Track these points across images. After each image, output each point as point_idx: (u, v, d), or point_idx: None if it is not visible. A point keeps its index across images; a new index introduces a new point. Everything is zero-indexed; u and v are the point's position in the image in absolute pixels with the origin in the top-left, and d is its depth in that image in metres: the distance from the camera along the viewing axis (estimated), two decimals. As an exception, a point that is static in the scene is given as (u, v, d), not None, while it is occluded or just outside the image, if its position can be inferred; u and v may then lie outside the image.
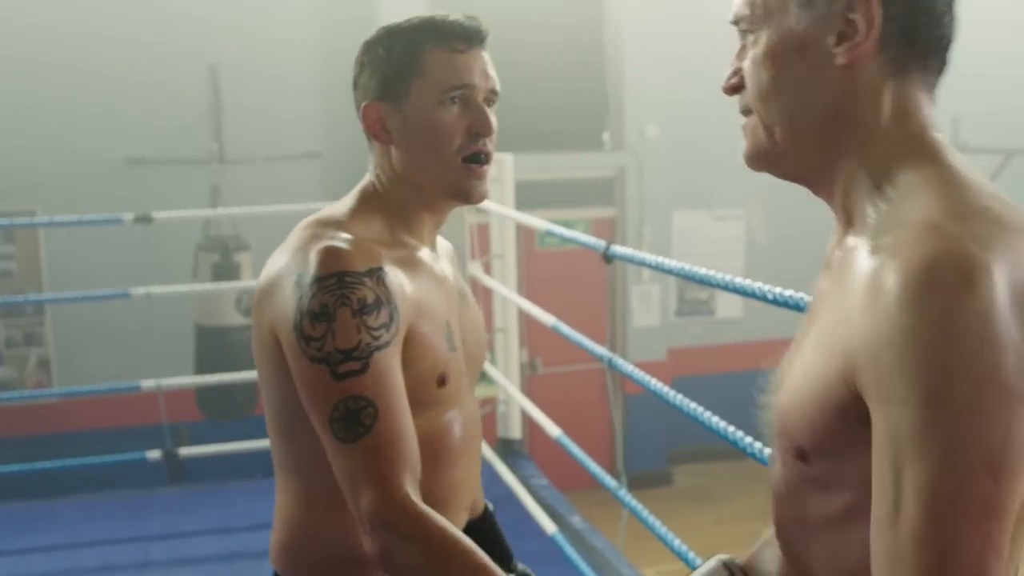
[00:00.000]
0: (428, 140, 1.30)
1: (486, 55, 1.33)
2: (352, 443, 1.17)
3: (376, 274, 1.21)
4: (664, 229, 6.60)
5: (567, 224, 5.39)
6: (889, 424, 0.80)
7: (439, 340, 1.28)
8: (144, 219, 3.42)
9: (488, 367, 3.90)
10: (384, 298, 1.20)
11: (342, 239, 1.23)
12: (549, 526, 3.03)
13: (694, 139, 6.40)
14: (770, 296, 1.75)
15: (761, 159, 1.02)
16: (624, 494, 2.44)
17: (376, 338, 1.18)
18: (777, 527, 1.00)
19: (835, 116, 0.94)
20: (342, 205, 1.33)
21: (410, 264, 1.30)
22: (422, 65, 1.30)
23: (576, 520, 3.35)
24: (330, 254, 1.20)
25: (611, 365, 2.45)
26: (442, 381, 1.29)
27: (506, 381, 3.81)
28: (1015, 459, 0.78)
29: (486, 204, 3.81)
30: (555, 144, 6.29)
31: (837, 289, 0.90)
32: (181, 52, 5.62)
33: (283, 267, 1.24)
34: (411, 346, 1.24)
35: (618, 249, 2.33)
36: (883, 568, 0.81)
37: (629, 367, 2.35)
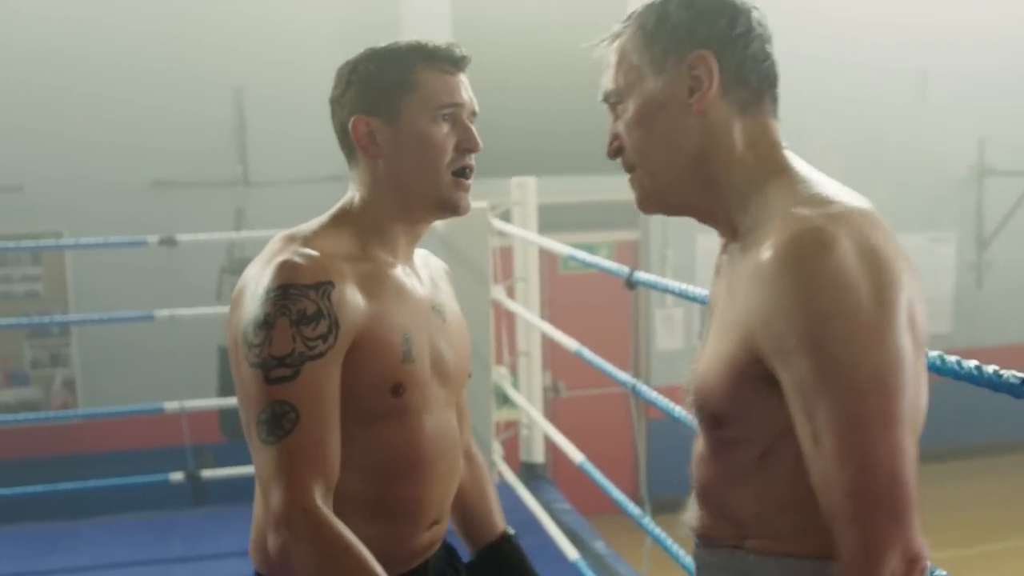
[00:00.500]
0: (421, 153, 1.38)
1: (467, 79, 1.43)
2: (271, 444, 1.23)
3: (322, 288, 1.28)
4: (688, 252, 6.58)
5: (590, 247, 5.39)
6: (792, 375, 1.00)
7: (391, 350, 1.33)
8: (168, 242, 3.45)
9: (511, 391, 3.89)
10: (325, 311, 1.27)
11: (301, 254, 1.30)
12: (572, 552, 3.02)
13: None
14: None
15: (651, 203, 1.21)
16: (648, 521, 2.43)
17: (310, 348, 1.25)
18: (699, 487, 1.17)
19: (700, 155, 1.15)
20: (316, 221, 1.41)
21: (374, 278, 1.36)
22: (415, 83, 1.38)
23: (599, 546, 3.33)
24: (282, 267, 1.28)
25: (635, 392, 2.44)
26: (397, 391, 1.33)
27: (529, 405, 3.80)
28: (895, 373, 0.98)
29: (508, 228, 3.83)
30: (578, 167, 6.29)
31: (727, 284, 1.13)
32: (206, 76, 5.69)
33: (249, 278, 1.33)
34: (357, 355, 1.30)
35: (642, 275, 2.33)
36: (822, 493, 0.99)
37: (653, 394, 2.35)
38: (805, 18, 6.33)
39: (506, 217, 3.88)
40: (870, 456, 0.97)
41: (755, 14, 1.20)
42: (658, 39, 1.16)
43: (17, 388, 5.80)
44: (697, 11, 1.17)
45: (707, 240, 6.67)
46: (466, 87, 1.42)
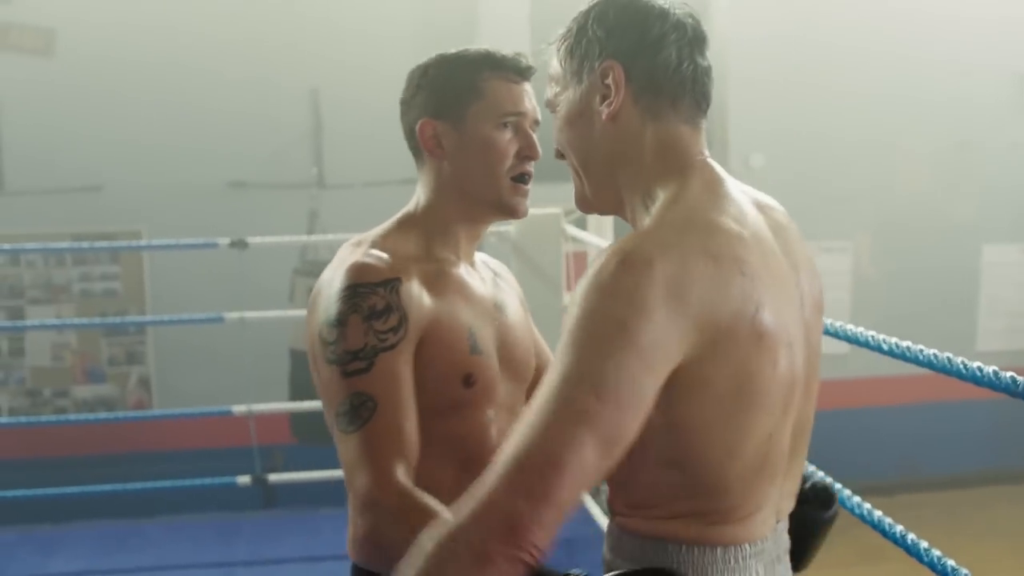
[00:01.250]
0: (484, 158, 1.46)
1: (531, 88, 1.53)
2: (352, 433, 1.31)
3: (391, 284, 1.37)
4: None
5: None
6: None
7: (459, 343, 1.41)
8: (239, 244, 3.49)
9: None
10: (394, 305, 1.36)
11: (369, 255, 1.40)
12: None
13: (800, 169, 6.25)
14: (872, 343, 1.66)
15: (582, 203, 1.30)
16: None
17: (382, 341, 1.34)
18: None
19: (613, 159, 1.23)
20: (383, 225, 1.52)
21: (438, 277, 1.45)
22: (481, 90, 1.46)
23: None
24: (352, 269, 1.38)
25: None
26: (468, 381, 1.41)
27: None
28: (624, 393, 1.03)
29: (582, 234, 3.79)
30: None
31: None
32: (283, 78, 5.75)
33: (323, 282, 1.43)
34: (427, 348, 1.38)
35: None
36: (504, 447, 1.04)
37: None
38: (898, 15, 6.15)
39: (581, 223, 3.84)
40: (543, 437, 1.01)
41: (678, 20, 1.25)
42: (577, 51, 1.25)
43: (94, 385, 5.93)
44: (611, 24, 1.23)
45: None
46: (530, 96, 1.50)
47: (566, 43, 1.27)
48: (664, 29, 1.24)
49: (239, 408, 3.47)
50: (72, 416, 5.29)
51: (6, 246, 4.67)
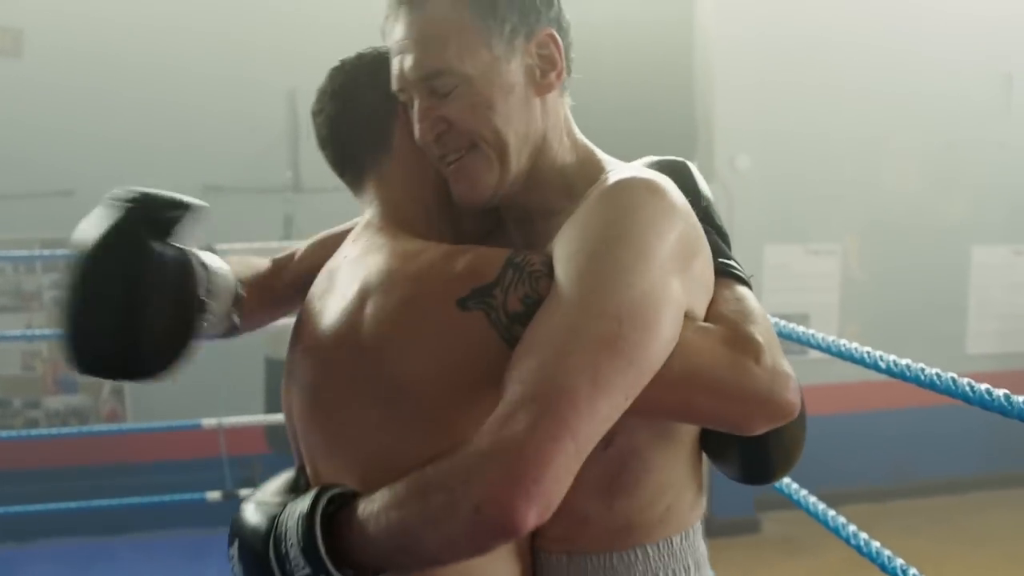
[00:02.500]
0: None
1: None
2: None
3: None
4: (755, 263, 6.45)
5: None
6: (559, 278, 1.03)
7: None
8: (207, 250, 3.46)
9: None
10: None
11: None
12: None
13: (787, 170, 6.27)
14: (867, 359, 1.63)
15: (495, 189, 1.18)
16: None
17: None
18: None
19: (541, 138, 1.18)
20: None
21: None
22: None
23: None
24: None
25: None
26: None
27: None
28: (654, 317, 0.99)
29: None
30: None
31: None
32: (260, 77, 5.71)
33: None
34: None
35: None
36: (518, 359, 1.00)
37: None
38: (885, 14, 6.17)
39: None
40: (560, 365, 0.95)
41: None
42: (503, 15, 1.13)
43: (66, 395, 5.87)
44: None
45: (776, 252, 6.57)
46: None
47: (479, 4, 1.14)
48: None
49: (209, 421, 3.43)
50: (35, 431, 5.24)
51: (-29, 253, 4.61)
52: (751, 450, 1.24)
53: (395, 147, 1.28)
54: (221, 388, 5.17)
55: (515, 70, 1.14)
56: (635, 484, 1.16)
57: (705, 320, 1.14)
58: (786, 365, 1.15)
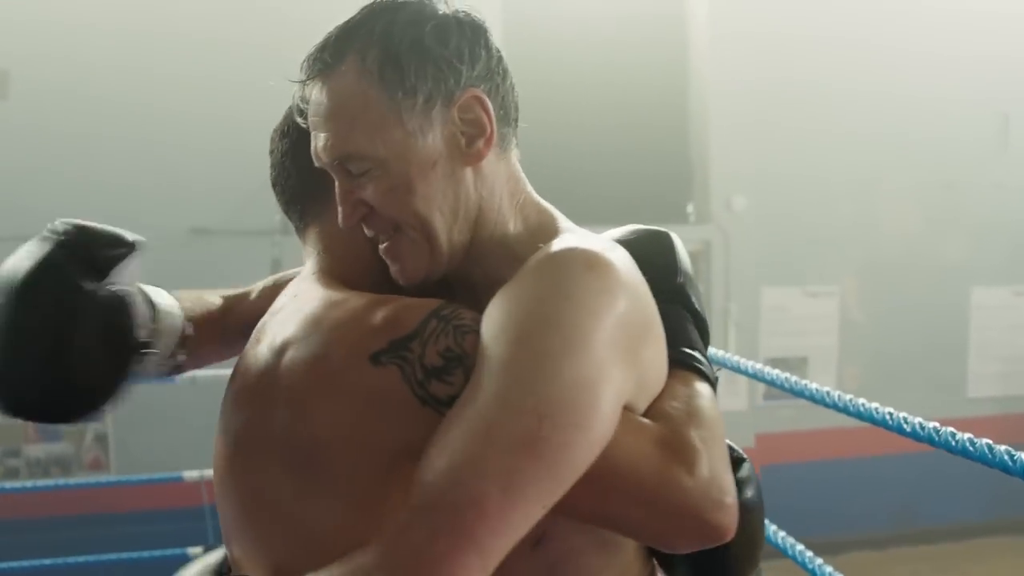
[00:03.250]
0: None
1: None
2: None
3: None
4: (752, 306, 6.46)
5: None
6: (479, 365, 0.93)
7: None
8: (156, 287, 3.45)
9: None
10: None
11: None
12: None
13: (784, 211, 6.29)
14: (875, 415, 1.60)
15: (428, 270, 1.08)
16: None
17: None
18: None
19: (476, 209, 1.06)
20: None
21: None
22: None
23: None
24: None
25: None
26: None
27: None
28: (582, 414, 0.88)
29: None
30: (636, 216, 6.20)
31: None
32: (246, 119, 5.72)
33: None
34: None
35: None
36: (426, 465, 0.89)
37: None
38: (880, 52, 6.23)
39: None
40: (472, 468, 0.87)
41: (484, 26, 1.07)
42: (414, 84, 1.01)
43: (48, 443, 5.82)
44: (453, 39, 1.03)
45: (773, 294, 6.57)
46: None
47: (387, 71, 1.02)
48: (490, 40, 1.07)
49: (190, 474, 3.40)
50: (9, 485, 5.19)
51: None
52: (703, 559, 1.10)
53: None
54: (206, 437, 5.13)
55: (434, 144, 1.03)
56: None
57: (644, 415, 1.02)
58: (726, 480, 1.02)
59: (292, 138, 1.26)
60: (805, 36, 6.15)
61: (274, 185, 1.33)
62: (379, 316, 1.01)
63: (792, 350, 6.40)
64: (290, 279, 1.31)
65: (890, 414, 1.50)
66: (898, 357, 6.22)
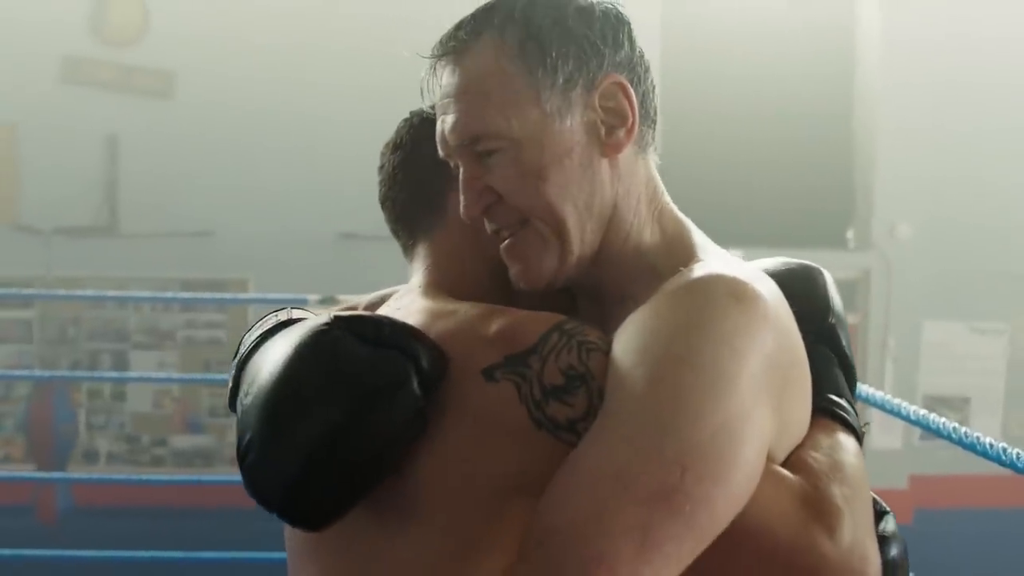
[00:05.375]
0: None
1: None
2: None
3: None
4: (912, 340, 6.25)
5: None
6: (608, 400, 0.86)
7: None
8: (328, 301, 3.54)
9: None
10: None
11: None
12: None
13: (953, 240, 6.06)
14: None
15: (555, 273, 1.00)
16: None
17: None
18: None
19: (612, 208, 0.98)
20: None
21: None
22: None
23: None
24: None
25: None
26: None
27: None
28: (725, 466, 0.81)
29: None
30: (793, 241, 6.09)
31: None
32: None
33: None
34: None
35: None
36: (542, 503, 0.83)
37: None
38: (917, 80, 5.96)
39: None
40: (600, 521, 0.80)
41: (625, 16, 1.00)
42: (555, 63, 0.95)
43: (192, 435, 6.09)
44: (597, 23, 0.97)
45: (936, 328, 6.35)
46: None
47: (526, 48, 0.96)
48: (633, 34, 1.00)
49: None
50: (154, 476, 5.44)
51: (111, 293, 4.87)
52: None
53: (449, 216, 1.08)
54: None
55: (572, 129, 0.96)
56: None
57: (784, 465, 0.94)
58: (870, 548, 0.93)
59: (406, 150, 1.19)
60: (990, 37, 5.91)
61: (383, 201, 1.22)
62: (494, 328, 0.93)
63: (952, 388, 6.16)
64: (393, 295, 1.20)
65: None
66: (1072, 404, 5.92)
